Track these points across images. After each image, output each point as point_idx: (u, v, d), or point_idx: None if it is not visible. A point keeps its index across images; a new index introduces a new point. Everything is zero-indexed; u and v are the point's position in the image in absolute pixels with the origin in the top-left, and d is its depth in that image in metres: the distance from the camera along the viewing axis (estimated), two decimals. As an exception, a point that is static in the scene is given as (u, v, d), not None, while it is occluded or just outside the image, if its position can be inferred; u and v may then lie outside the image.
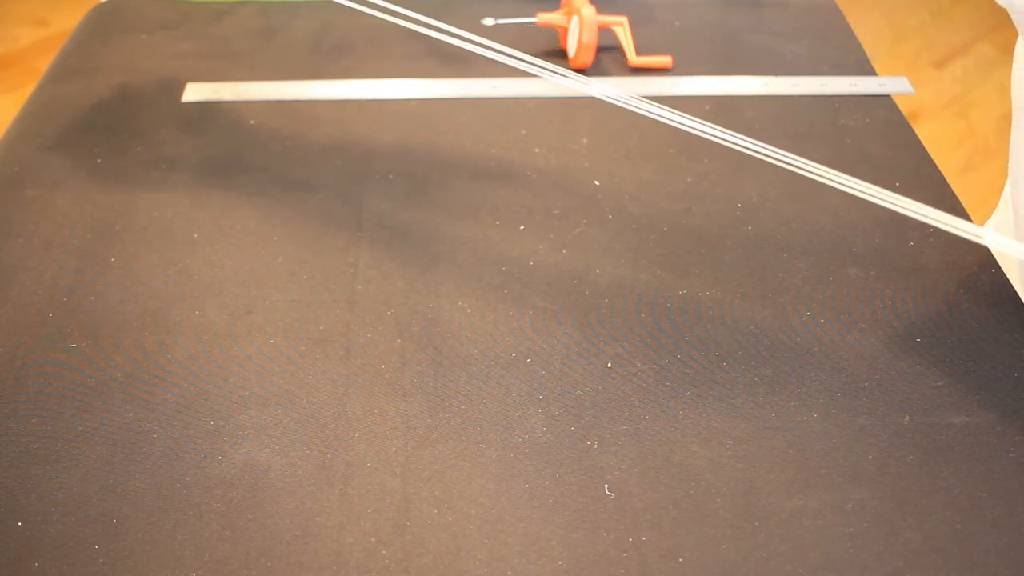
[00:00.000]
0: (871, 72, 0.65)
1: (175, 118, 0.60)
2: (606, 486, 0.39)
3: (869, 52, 0.68)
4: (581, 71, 0.65)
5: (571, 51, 0.65)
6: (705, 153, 0.57)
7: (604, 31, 0.67)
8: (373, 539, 0.37)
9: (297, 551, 0.37)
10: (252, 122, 0.60)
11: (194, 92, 0.62)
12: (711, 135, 0.41)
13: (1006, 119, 1.64)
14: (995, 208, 0.65)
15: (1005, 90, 1.71)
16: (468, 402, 0.42)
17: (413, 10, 0.69)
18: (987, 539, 0.37)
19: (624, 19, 0.66)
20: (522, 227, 0.52)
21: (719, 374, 0.44)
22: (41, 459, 0.40)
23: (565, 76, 0.44)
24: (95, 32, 0.69)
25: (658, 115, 0.42)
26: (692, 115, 0.60)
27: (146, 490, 0.39)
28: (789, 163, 0.39)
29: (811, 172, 0.39)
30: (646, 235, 0.51)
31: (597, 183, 0.55)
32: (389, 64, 0.65)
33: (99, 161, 0.56)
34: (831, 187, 0.55)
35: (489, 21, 0.61)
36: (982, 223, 0.64)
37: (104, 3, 0.73)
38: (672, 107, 0.61)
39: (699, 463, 0.40)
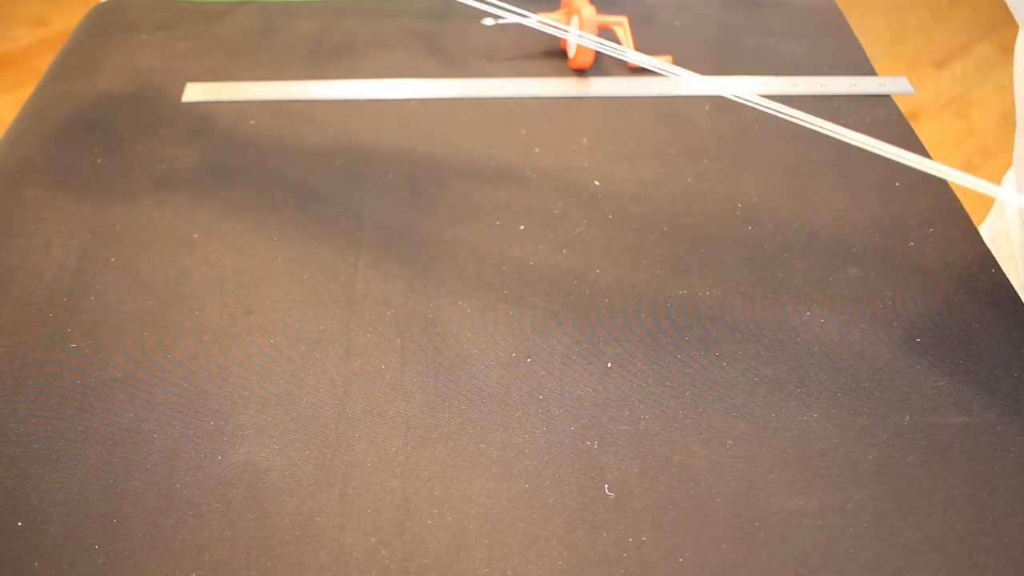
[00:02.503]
0: (871, 72, 0.65)
1: (175, 118, 0.60)
2: (606, 486, 0.39)
3: (869, 52, 0.68)
4: (581, 71, 0.65)
5: (571, 51, 0.65)
6: (705, 153, 0.57)
7: (604, 31, 0.67)
8: (373, 539, 0.37)
9: (297, 551, 0.37)
10: (252, 122, 0.60)
11: (194, 92, 0.62)
12: (837, 134, 0.41)
13: (1006, 119, 1.64)
14: (989, 211, 0.65)
15: (1005, 90, 1.71)
16: (468, 402, 0.42)
17: (413, 11, 0.69)
18: (987, 539, 0.37)
19: (624, 19, 0.66)
20: (522, 227, 0.52)
21: (719, 374, 0.44)
22: (41, 459, 0.40)
23: (693, 76, 0.44)
24: (95, 32, 0.69)
25: (787, 115, 0.42)
26: (694, 115, 0.60)
27: (146, 490, 0.39)
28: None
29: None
30: (646, 235, 0.51)
31: (597, 183, 0.55)
32: (389, 64, 0.65)
33: (99, 161, 0.56)
34: (831, 187, 0.55)
35: (489, 21, 0.61)
36: (981, 223, 0.64)
37: (104, 3, 0.73)
38: (672, 107, 0.61)
39: (699, 463, 0.40)
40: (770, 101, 0.42)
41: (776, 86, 0.63)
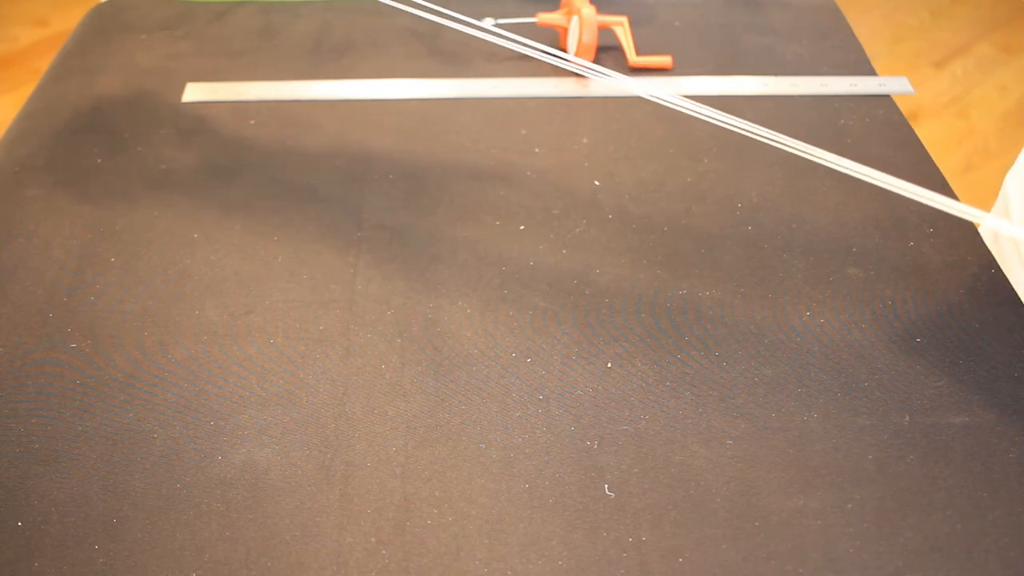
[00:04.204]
0: (871, 72, 0.65)
1: (175, 118, 0.60)
2: (606, 486, 0.39)
3: (869, 52, 0.68)
4: (581, 71, 0.65)
5: (571, 51, 0.65)
6: (705, 153, 0.57)
7: (604, 31, 0.67)
8: (373, 539, 0.37)
9: (297, 551, 0.37)
10: (252, 122, 0.60)
11: (194, 92, 0.62)
12: (766, 138, 0.41)
13: (1006, 119, 1.64)
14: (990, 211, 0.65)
15: (1005, 90, 1.71)
16: (468, 402, 0.42)
17: (414, 12, 0.69)
18: (987, 539, 0.37)
19: (624, 19, 0.66)
20: (522, 227, 0.52)
21: (719, 374, 0.44)
22: (41, 459, 0.40)
23: (611, 76, 0.44)
24: (95, 32, 0.69)
25: (706, 116, 0.42)
26: (693, 115, 0.60)
27: (146, 490, 0.39)
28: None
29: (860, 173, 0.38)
30: (646, 235, 0.51)
31: (597, 183, 0.55)
32: (389, 64, 0.65)
33: (99, 161, 0.56)
34: (831, 187, 0.55)
35: (489, 22, 0.61)
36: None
37: (104, 3, 0.73)
38: (672, 107, 0.61)
39: (699, 463, 0.40)
40: (690, 101, 0.42)
41: (776, 86, 0.63)
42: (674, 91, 0.61)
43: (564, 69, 0.65)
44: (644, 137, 0.59)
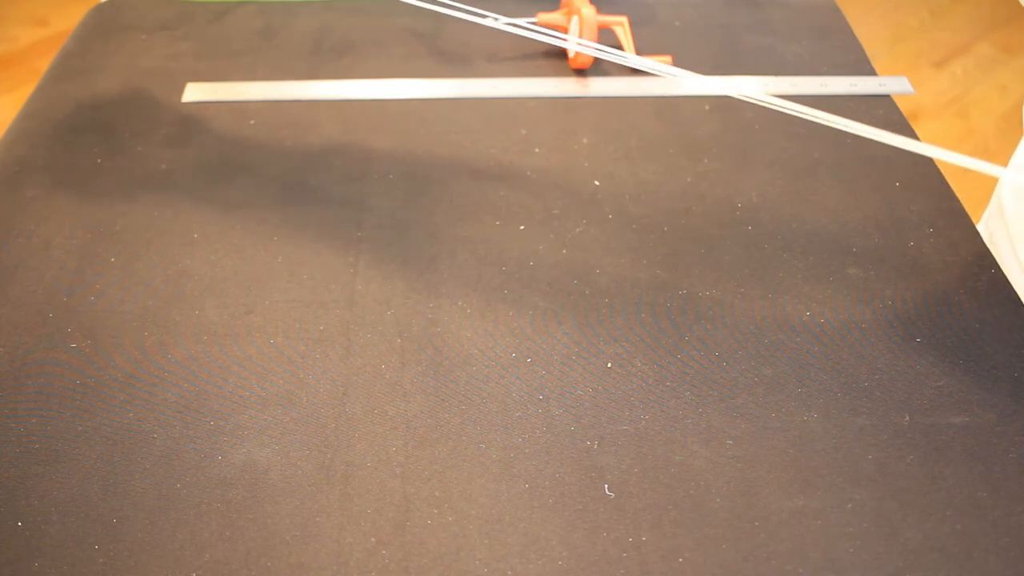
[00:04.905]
0: (871, 72, 0.65)
1: (175, 118, 0.60)
2: (606, 486, 0.39)
3: (869, 52, 0.68)
4: (581, 71, 0.65)
5: (571, 51, 0.65)
6: (705, 153, 0.57)
7: (604, 31, 0.67)
8: (373, 539, 0.37)
9: (297, 551, 0.37)
10: (252, 122, 0.60)
11: (194, 92, 0.62)
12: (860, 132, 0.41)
13: (1006, 119, 1.64)
14: (984, 216, 0.65)
15: (1005, 90, 1.71)
16: (468, 402, 0.42)
17: (413, 11, 0.69)
18: (987, 539, 0.37)
19: (624, 19, 0.66)
20: (522, 227, 0.52)
21: (719, 374, 0.44)
22: (41, 459, 0.40)
23: (695, 77, 0.44)
24: (95, 32, 0.69)
25: (796, 111, 0.42)
26: (694, 115, 0.60)
27: (146, 490, 0.39)
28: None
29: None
30: (646, 235, 0.51)
31: (597, 183, 0.55)
32: (389, 64, 0.66)
33: (99, 161, 0.56)
34: (831, 187, 0.55)
35: (489, 22, 0.61)
36: (979, 222, 0.64)
37: (104, 3, 0.73)
38: (672, 107, 0.61)
39: (699, 463, 0.40)
40: (776, 99, 0.42)
41: (776, 86, 0.63)
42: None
43: (564, 69, 0.65)
44: (644, 137, 0.59)
